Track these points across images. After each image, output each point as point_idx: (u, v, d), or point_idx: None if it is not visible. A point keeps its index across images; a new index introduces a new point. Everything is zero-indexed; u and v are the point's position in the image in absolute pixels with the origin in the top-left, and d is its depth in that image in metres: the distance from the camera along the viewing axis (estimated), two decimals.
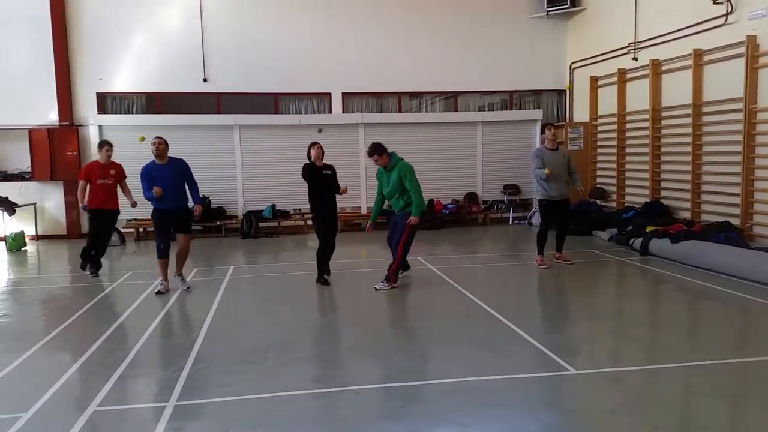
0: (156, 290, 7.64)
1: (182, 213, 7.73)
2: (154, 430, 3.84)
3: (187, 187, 7.78)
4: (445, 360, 5.15)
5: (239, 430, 3.89)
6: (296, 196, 13.18)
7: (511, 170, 14.05)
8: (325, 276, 8.13)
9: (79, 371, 5.02)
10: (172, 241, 7.79)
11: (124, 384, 4.71)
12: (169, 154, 7.68)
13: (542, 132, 9.10)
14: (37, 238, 12.75)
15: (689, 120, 10.29)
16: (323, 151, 8.01)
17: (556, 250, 9.12)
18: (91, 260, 9.02)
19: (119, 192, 9.01)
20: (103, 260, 9.25)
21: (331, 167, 8.09)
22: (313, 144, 8.01)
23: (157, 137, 7.61)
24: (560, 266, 8.95)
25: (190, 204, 7.84)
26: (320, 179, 7.89)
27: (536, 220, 13.52)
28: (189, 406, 4.24)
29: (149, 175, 7.48)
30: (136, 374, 4.94)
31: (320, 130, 13.22)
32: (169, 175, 7.53)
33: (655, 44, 11.16)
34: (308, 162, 7.93)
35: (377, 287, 7.68)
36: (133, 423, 4.12)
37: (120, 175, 9.00)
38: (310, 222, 13.22)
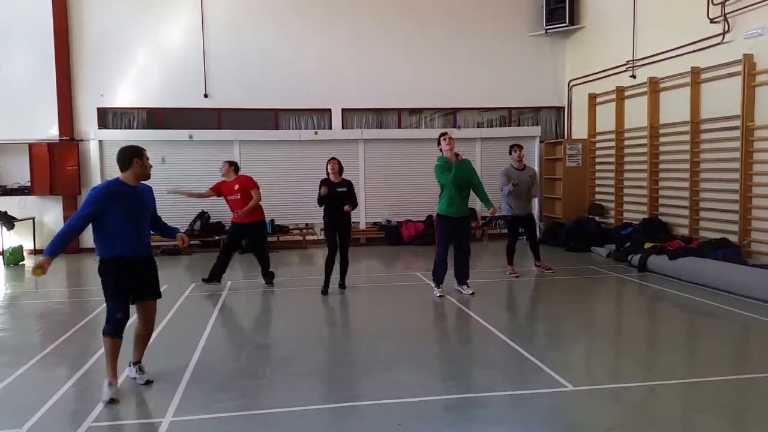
0: (104, 399, 4.59)
1: (153, 265, 5.10)
2: None
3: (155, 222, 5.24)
4: (442, 376, 5.13)
5: None
6: (295, 212, 13.20)
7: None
8: (341, 288, 8.50)
9: (75, 386, 4.99)
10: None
11: (120, 399, 4.68)
12: (162, 171, 6.50)
13: (510, 152, 9.43)
14: (36, 252, 12.72)
15: (687, 137, 10.34)
16: (341, 167, 8.33)
17: (535, 260, 9.62)
18: (266, 274, 9.10)
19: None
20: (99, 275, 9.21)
21: (347, 183, 8.34)
22: (330, 160, 8.31)
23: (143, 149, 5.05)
24: (556, 281, 8.95)
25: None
26: (333, 196, 8.16)
27: None
28: (185, 422, 4.21)
29: (108, 199, 4.72)
30: (133, 390, 4.90)
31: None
32: (143, 205, 4.96)
33: (653, 62, 11.24)
34: (325, 178, 8.27)
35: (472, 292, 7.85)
36: None
37: (242, 188, 8.89)
38: (309, 237, 13.31)
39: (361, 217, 13.70)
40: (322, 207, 8.34)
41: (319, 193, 8.15)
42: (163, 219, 5.31)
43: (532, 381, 4.89)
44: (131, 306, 4.92)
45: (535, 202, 9.44)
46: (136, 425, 4.31)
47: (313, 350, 6.10)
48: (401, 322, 6.99)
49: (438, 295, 7.86)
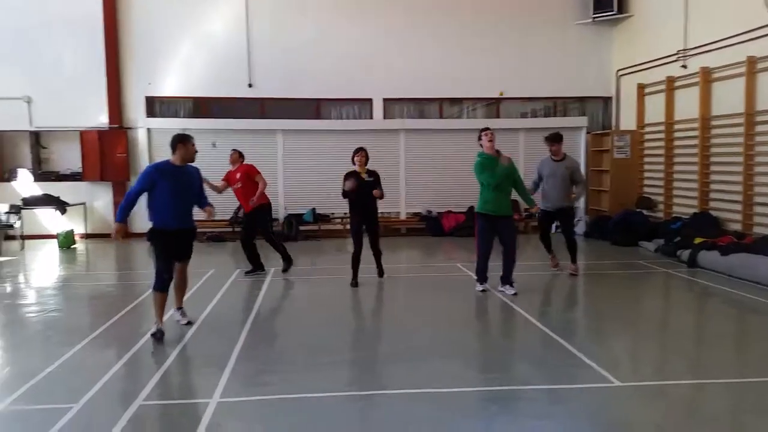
0: (151, 332, 5.83)
1: (192, 235, 6.18)
2: (197, 426, 3.91)
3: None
4: (483, 368, 5.11)
5: (279, 428, 3.94)
6: (336, 201, 13.22)
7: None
8: (380, 277, 8.41)
9: (125, 366, 5.15)
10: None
11: (169, 380, 4.82)
12: (211, 156, 7.37)
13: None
14: (87, 236, 13.15)
15: (741, 129, 9.97)
16: (367, 158, 8.11)
17: (570, 261, 8.83)
18: (285, 257, 9.14)
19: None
20: (148, 258, 9.48)
21: (373, 173, 8.12)
22: (357, 151, 8.08)
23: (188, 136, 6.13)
24: (602, 276, 8.82)
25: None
26: (361, 188, 7.92)
27: (580, 229, 13.33)
28: (231, 404, 4.31)
29: (157, 176, 5.78)
30: (181, 371, 5.05)
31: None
32: (187, 183, 5.96)
33: (705, 51, 10.87)
34: (351, 171, 8.04)
35: (515, 293, 7.53)
36: (177, 418, 4.20)
37: (243, 176, 8.80)
38: (349, 226, 13.35)
39: (401, 207, 13.71)
40: (347, 200, 8.11)
41: (344, 186, 7.90)
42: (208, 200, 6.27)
43: (576, 376, 4.82)
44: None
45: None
46: (185, 405, 4.42)
47: (351, 338, 6.16)
48: (440, 313, 6.96)
49: (480, 289, 7.73)
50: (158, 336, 5.72)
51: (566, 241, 8.80)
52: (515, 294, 7.47)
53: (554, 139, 8.74)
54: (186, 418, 4.16)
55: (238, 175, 8.77)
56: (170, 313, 6.20)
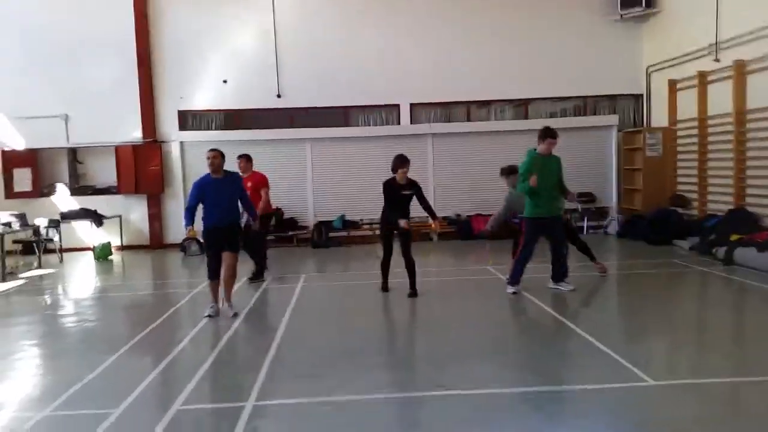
0: (206, 314, 6.94)
1: (233, 230, 7.12)
2: (234, 429, 3.97)
3: (240, 203, 7.22)
4: (519, 369, 5.07)
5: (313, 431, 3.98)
6: (366, 207, 13.31)
7: (585, 178, 13.60)
8: (412, 297, 7.69)
9: (163, 372, 5.27)
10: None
11: (205, 385, 4.91)
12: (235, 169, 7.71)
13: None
14: (122, 248, 13.46)
15: None
16: (408, 169, 7.71)
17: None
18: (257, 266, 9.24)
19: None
20: (182, 269, 9.65)
21: (413, 185, 7.76)
22: (404, 161, 7.64)
23: (213, 150, 7.03)
24: (636, 275, 8.66)
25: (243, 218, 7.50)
26: (398, 198, 7.68)
27: (612, 229, 13.16)
28: (266, 407, 4.37)
29: (201, 189, 6.98)
30: (217, 376, 5.14)
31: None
32: (223, 190, 6.99)
33: (738, 44, 10.63)
34: (390, 178, 7.70)
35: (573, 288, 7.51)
36: (214, 422, 4.29)
37: (254, 187, 8.86)
38: (378, 232, 13.37)
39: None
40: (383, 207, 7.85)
41: (397, 221, 7.53)
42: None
43: (610, 375, 4.75)
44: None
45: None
46: (222, 408, 4.50)
47: (385, 342, 6.19)
48: (474, 316, 6.94)
49: (512, 292, 7.60)
50: (213, 314, 6.93)
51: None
52: (574, 290, 7.45)
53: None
54: (223, 421, 4.24)
55: (249, 184, 8.63)
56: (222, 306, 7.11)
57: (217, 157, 6.94)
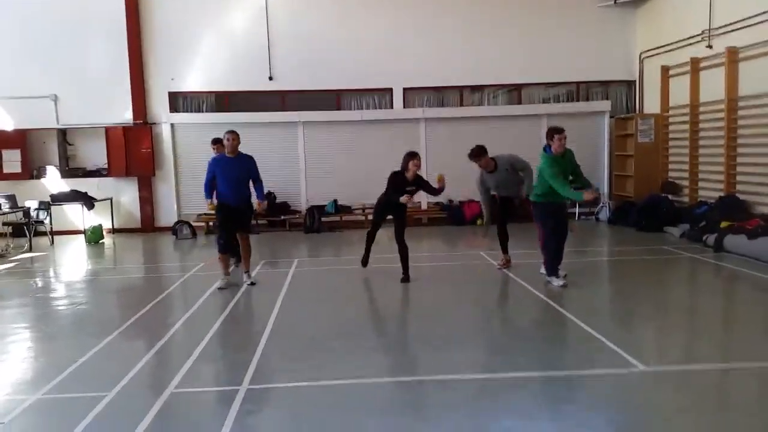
0: (218, 286, 7.62)
1: (244, 210, 7.70)
2: (228, 412, 3.99)
3: (252, 183, 7.73)
4: (511, 354, 5.11)
5: (308, 414, 4.00)
6: (358, 192, 13.28)
7: (579, 164, 13.60)
8: (405, 282, 7.72)
9: (156, 356, 5.27)
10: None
11: (199, 368, 4.91)
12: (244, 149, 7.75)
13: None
14: (114, 231, 13.39)
15: None
16: (419, 162, 7.75)
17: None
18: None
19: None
20: (174, 252, 9.62)
21: (419, 181, 7.82)
22: (414, 155, 7.71)
23: (231, 132, 7.61)
24: (628, 262, 8.72)
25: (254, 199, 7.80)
26: (402, 191, 7.65)
27: (603, 215, 13.22)
28: (260, 390, 4.39)
29: (215, 164, 7.60)
30: (210, 359, 5.14)
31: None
32: (237, 169, 7.57)
33: (731, 30, 10.64)
34: (399, 171, 7.69)
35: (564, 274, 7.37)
36: (208, 405, 4.30)
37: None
38: (371, 217, 13.36)
39: (423, 197, 13.67)
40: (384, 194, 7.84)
41: (394, 196, 7.59)
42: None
43: (601, 360, 4.81)
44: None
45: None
46: (215, 392, 4.52)
47: (377, 326, 6.23)
48: (466, 301, 6.99)
49: (561, 284, 7.18)
50: (223, 286, 7.56)
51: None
52: (564, 285, 7.22)
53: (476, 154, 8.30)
54: (217, 404, 4.25)
55: None
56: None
57: (235, 139, 7.57)
